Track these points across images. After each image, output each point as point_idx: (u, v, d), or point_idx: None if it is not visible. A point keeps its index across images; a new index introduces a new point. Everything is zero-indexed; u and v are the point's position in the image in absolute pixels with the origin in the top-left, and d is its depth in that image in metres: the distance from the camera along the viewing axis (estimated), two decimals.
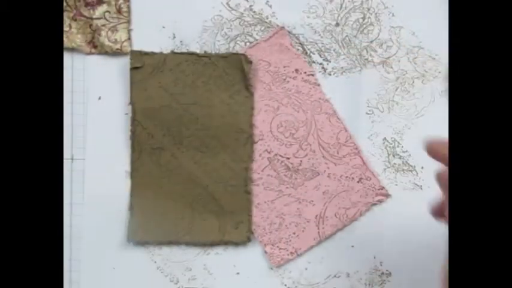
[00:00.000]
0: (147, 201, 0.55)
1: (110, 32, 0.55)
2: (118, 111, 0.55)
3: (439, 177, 0.45)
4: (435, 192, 0.55)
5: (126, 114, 0.55)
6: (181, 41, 0.55)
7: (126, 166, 0.55)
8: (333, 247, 0.55)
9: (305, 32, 0.55)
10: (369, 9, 0.55)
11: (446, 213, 0.43)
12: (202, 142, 0.54)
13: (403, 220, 0.55)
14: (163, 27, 0.55)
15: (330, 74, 0.55)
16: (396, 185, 0.55)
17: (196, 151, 0.54)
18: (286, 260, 0.55)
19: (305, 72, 0.55)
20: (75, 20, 0.55)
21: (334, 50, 0.55)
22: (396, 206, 0.55)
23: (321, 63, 0.55)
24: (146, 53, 0.54)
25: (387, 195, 0.55)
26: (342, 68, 0.55)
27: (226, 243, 0.55)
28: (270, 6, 0.55)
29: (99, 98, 0.55)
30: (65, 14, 0.54)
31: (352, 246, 0.55)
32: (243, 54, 0.54)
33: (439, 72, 0.55)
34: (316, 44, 0.55)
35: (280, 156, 0.55)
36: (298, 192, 0.55)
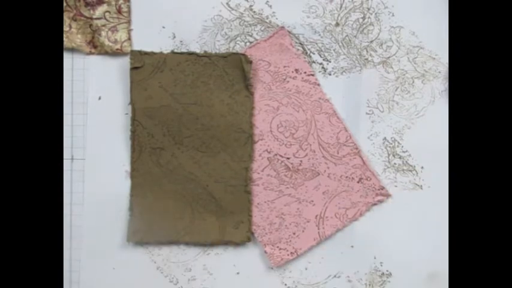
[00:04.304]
0: (147, 201, 0.54)
1: (110, 32, 0.55)
2: (118, 111, 0.55)
3: None
4: (435, 192, 0.55)
5: (126, 114, 0.55)
6: (181, 41, 0.55)
7: (126, 166, 0.55)
8: (333, 247, 0.55)
9: (305, 32, 0.55)
10: (368, 9, 0.55)
11: None
12: (202, 142, 0.54)
13: (403, 220, 0.55)
14: (163, 27, 0.55)
15: (330, 74, 0.55)
16: (396, 185, 0.55)
17: (196, 151, 0.54)
18: (286, 260, 0.55)
19: (305, 72, 0.55)
20: (75, 20, 0.55)
21: (334, 50, 0.55)
22: (396, 206, 0.55)
23: (321, 63, 0.55)
24: (146, 53, 0.54)
25: (387, 195, 0.55)
26: (342, 68, 0.55)
27: (226, 243, 0.55)
28: (270, 6, 0.55)
29: (99, 98, 0.55)
30: (65, 14, 0.54)
31: (352, 246, 0.55)
32: (243, 54, 0.54)
33: (439, 72, 0.55)
34: (316, 44, 0.55)
35: (280, 156, 0.55)
36: (298, 192, 0.55)
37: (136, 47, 0.55)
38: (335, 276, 0.55)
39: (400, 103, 0.55)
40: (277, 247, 0.54)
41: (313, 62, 0.55)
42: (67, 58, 0.55)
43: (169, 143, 0.54)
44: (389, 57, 0.55)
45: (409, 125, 0.55)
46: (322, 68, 0.55)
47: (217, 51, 0.55)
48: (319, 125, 0.55)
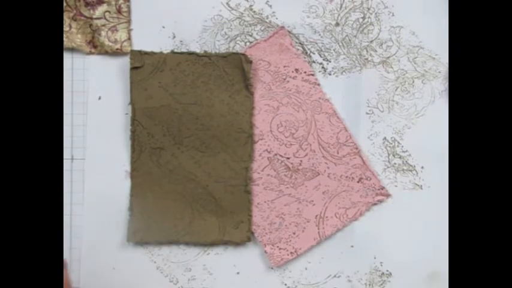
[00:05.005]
0: (147, 201, 0.54)
1: (110, 32, 0.55)
2: (118, 111, 0.55)
3: None
4: (435, 192, 0.55)
5: (126, 114, 0.55)
6: (181, 41, 0.55)
7: (126, 166, 0.55)
8: (333, 247, 0.55)
9: (305, 32, 0.55)
10: (368, 9, 0.55)
11: None
12: (202, 142, 0.54)
13: (403, 220, 0.55)
14: (163, 27, 0.55)
15: (330, 74, 0.55)
16: (396, 185, 0.55)
17: (196, 151, 0.54)
18: (286, 260, 0.55)
19: (305, 72, 0.55)
20: (75, 20, 0.55)
21: (334, 50, 0.55)
22: (396, 206, 0.55)
23: (321, 63, 0.55)
24: (146, 53, 0.54)
25: (387, 195, 0.55)
26: (342, 67, 0.55)
27: (226, 243, 0.55)
28: (270, 6, 0.55)
29: (99, 98, 0.55)
30: (65, 14, 0.54)
31: (352, 246, 0.55)
32: (243, 54, 0.54)
33: (439, 72, 0.55)
34: (316, 43, 0.55)
35: (280, 156, 0.55)
36: (298, 192, 0.55)
37: (136, 47, 0.55)
38: (335, 276, 0.55)
39: (400, 103, 0.55)
40: (277, 247, 0.54)
41: (313, 61, 0.55)
42: (67, 58, 0.55)
43: (169, 143, 0.54)
44: (389, 57, 0.55)
45: (409, 125, 0.55)
46: (322, 67, 0.55)
47: (217, 51, 0.55)
48: (319, 124, 0.55)
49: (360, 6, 0.55)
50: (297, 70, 0.55)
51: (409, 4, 0.55)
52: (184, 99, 0.54)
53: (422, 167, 0.55)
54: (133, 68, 0.54)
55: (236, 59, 0.54)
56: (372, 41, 0.55)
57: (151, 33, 0.55)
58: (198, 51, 0.55)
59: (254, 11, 0.55)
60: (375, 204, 0.55)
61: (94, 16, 0.54)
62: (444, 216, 0.54)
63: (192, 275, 0.55)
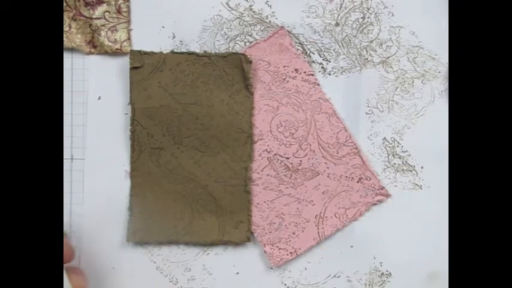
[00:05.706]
0: (146, 201, 0.55)
1: (109, 32, 0.55)
2: (118, 111, 0.55)
3: None
4: (435, 192, 0.55)
5: (126, 114, 0.55)
6: (181, 41, 0.55)
7: (126, 166, 0.55)
8: (332, 247, 0.55)
9: (305, 32, 0.55)
10: (368, 9, 0.55)
11: None
12: (202, 142, 0.54)
13: (403, 220, 0.55)
14: (163, 27, 0.55)
15: (329, 74, 0.55)
16: (396, 185, 0.55)
17: (196, 151, 0.54)
18: (286, 260, 0.55)
19: (305, 72, 0.55)
20: (75, 20, 0.55)
21: (334, 50, 0.55)
22: (396, 206, 0.55)
23: (320, 63, 0.55)
24: (146, 53, 0.54)
25: (387, 195, 0.55)
26: (341, 67, 0.55)
27: (226, 243, 0.55)
28: (270, 6, 0.55)
29: (99, 98, 0.55)
30: (65, 14, 0.54)
31: (352, 246, 0.55)
32: (243, 54, 0.54)
33: (439, 72, 0.55)
34: (316, 43, 0.55)
35: (280, 156, 0.55)
36: (297, 192, 0.55)
37: (136, 46, 0.55)
38: (335, 276, 0.55)
39: (399, 103, 0.55)
40: (277, 247, 0.54)
41: (313, 61, 0.55)
42: (67, 58, 0.55)
43: (169, 143, 0.54)
44: (389, 57, 0.55)
45: (409, 125, 0.55)
46: (322, 67, 0.55)
47: (217, 51, 0.55)
48: (318, 124, 0.55)
49: (360, 6, 0.55)
50: (296, 70, 0.55)
51: (409, 4, 0.55)
52: (184, 99, 0.54)
53: (422, 167, 0.55)
54: (133, 68, 0.54)
55: (236, 59, 0.54)
56: (371, 41, 0.55)
57: (151, 33, 0.55)
58: (197, 51, 0.55)
59: (254, 11, 0.55)
60: (375, 204, 0.55)
61: (94, 16, 0.54)
62: (444, 216, 0.54)
63: (191, 275, 0.55)
